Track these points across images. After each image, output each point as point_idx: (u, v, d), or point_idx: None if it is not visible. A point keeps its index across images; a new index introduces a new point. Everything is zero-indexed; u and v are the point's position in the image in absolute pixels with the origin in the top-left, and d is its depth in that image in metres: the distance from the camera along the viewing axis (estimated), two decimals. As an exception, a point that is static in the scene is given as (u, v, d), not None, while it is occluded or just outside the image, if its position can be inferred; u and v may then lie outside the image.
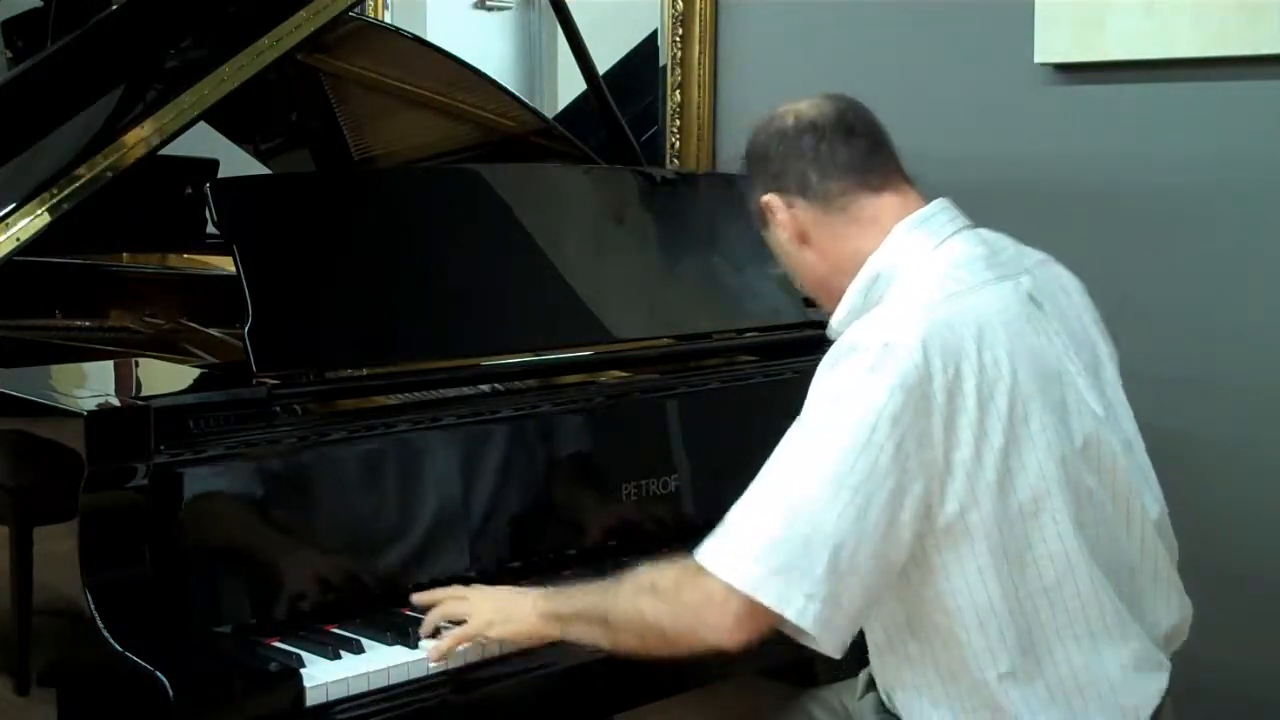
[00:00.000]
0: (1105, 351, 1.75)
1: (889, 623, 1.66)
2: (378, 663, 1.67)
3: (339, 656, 1.67)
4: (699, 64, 3.36)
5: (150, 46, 2.24)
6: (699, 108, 3.37)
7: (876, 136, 1.76)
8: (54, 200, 2.03)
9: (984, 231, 1.74)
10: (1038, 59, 2.77)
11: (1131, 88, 2.70)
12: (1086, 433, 1.62)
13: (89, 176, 2.05)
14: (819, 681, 2.27)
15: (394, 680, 1.68)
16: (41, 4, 2.66)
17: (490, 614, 1.74)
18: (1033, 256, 1.76)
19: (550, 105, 3.68)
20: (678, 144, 3.40)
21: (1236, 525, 2.61)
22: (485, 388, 2.04)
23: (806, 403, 1.59)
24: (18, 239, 2.01)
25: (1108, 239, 2.72)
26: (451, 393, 1.97)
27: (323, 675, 1.63)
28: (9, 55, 2.75)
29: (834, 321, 1.73)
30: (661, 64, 3.41)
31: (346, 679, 1.64)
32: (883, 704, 1.77)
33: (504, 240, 2.16)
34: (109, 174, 2.06)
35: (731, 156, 3.34)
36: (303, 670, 1.63)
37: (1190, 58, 2.61)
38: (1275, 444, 2.59)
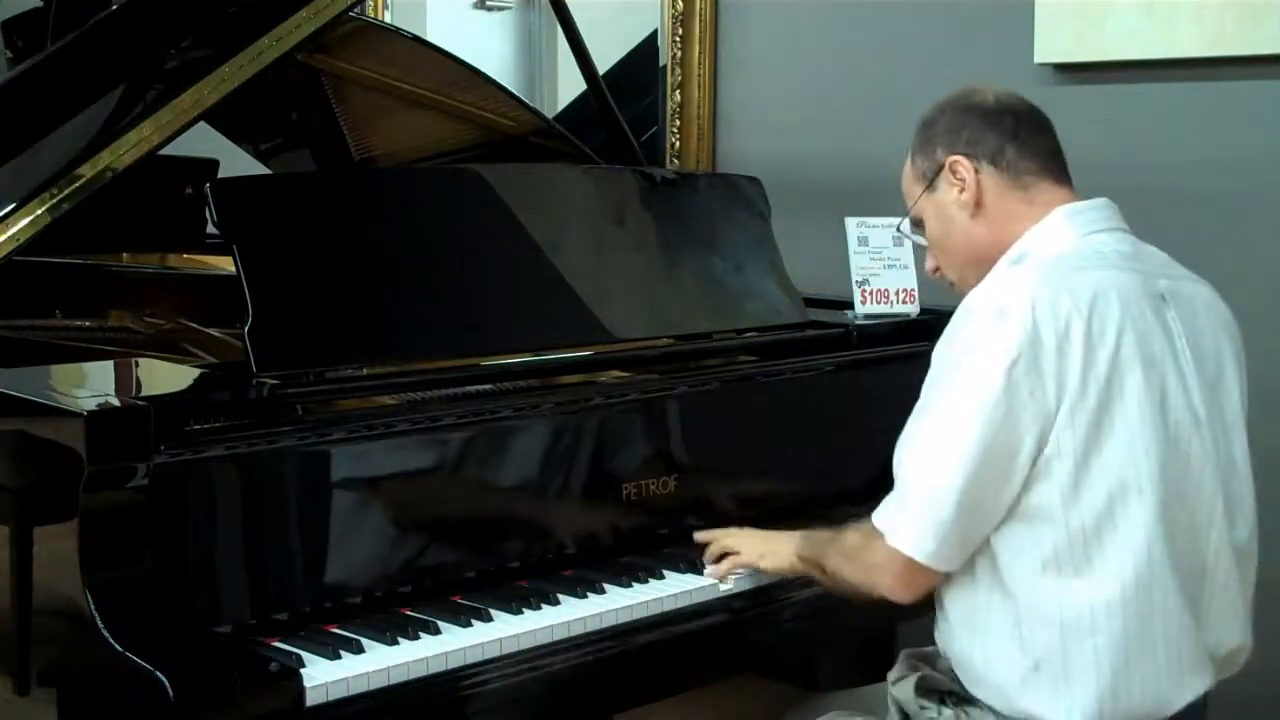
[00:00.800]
0: (1233, 373, 1.80)
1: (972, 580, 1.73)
2: (378, 663, 1.67)
3: (339, 656, 1.67)
4: (699, 64, 3.36)
5: (150, 46, 2.24)
6: (699, 108, 3.37)
7: (1057, 140, 1.85)
8: (54, 200, 2.03)
9: (1140, 242, 1.82)
10: (1038, 59, 2.77)
11: (1131, 88, 2.70)
12: (1179, 423, 1.68)
13: (89, 176, 2.05)
14: (819, 682, 2.27)
15: (394, 680, 1.67)
16: (41, 4, 2.66)
17: (760, 548, 1.98)
18: (1184, 273, 1.82)
19: (550, 105, 3.68)
20: (678, 144, 3.40)
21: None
22: (485, 387, 2.03)
23: (934, 361, 1.71)
24: (18, 239, 2.01)
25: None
26: (451, 393, 1.97)
27: (323, 675, 1.63)
28: (9, 55, 2.75)
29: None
30: (661, 64, 3.41)
31: (346, 679, 1.64)
32: (920, 686, 1.79)
33: (504, 240, 2.16)
34: (109, 174, 2.06)
35: (732, 156, 3.35)
36: (303, 670, 1.63)
37: (1190, 58, 2.61)
38: (1276, 443, 2.59)
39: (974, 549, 1.69)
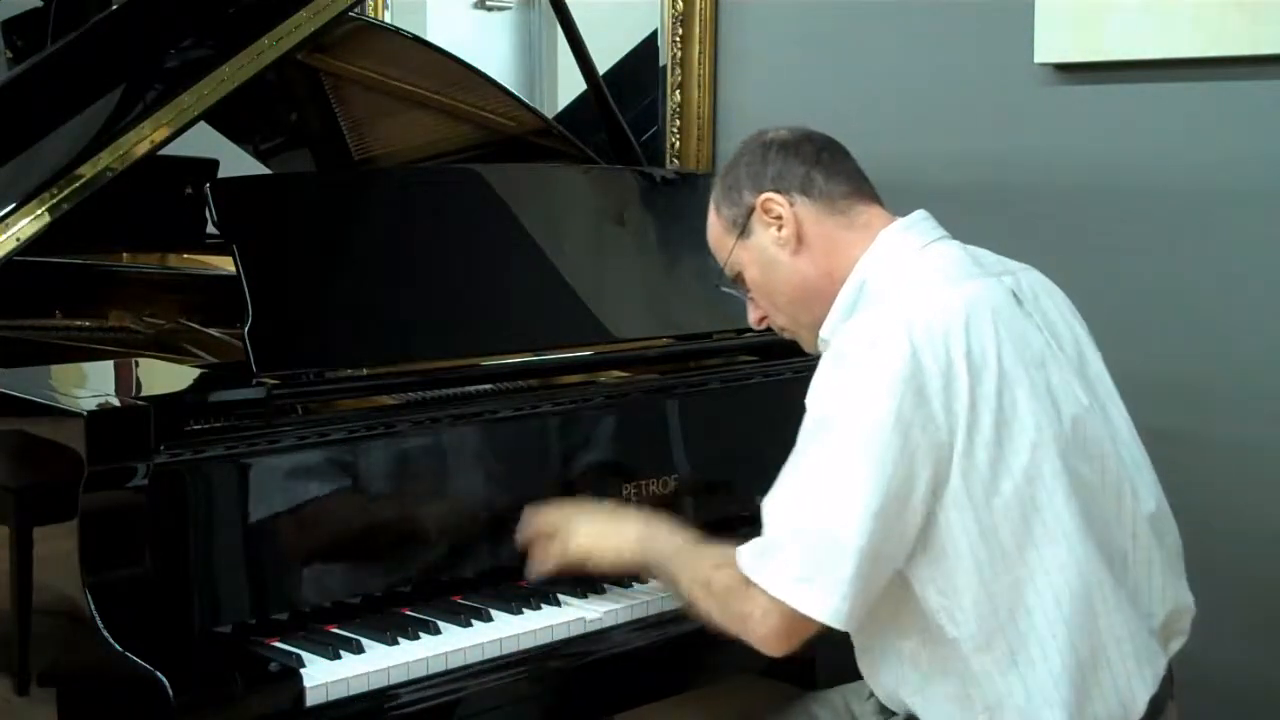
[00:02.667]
0: (1090, 349, 1.77)
1: (883, 625, 1.67)
2: (378, 663, 1.67)
3: (339, 656, 1.67)
4: (699, 64, 3.36)
5: (150, 46, 2.24)
6: (699, 108, 3.37)
7: (854, 162, 1.81)
8: (54, 200, 2.03)
9: (965, 244, 1.78)
10: (1038, 59, 2.77)
11: (1131, 88, 2.70)
12: (1075, 417, 1.65)
13: (89, 176, 2.05)
14: (819, 682, 2.27)
15: (394, 680, 1.68)
16: (41, 4, 2.66)
17: (589, 543, 1.84)
18: (1016, 265, 1.79)
19: (550, 105, 3.67)
20: (678, 144, 3.39)
21: (1238, 525, 2.61)
22: (485, 387, 2.03)
23: (809, 412, 1.62)
24: (18, 239, 2.01)
25: (1108, 239, 2.72)
26: (451, 392, 1.97)
27: (323, 675, 1.63)
28: (9, 55, 2.74)
29: (823, 332, 1.74)
30: (661, 64, 3.41)
31: (346, 679, 1.64)
32: (885, 706, 1.77)
33: (504, 240, 2.16)
34: (109, 174, 2.06)
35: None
36: (303, 670, 1.63)
37: (1190, 58, 2.61)
38: (1276, 444, 2.59)
39: (875, 599, 1.61)
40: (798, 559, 1.58)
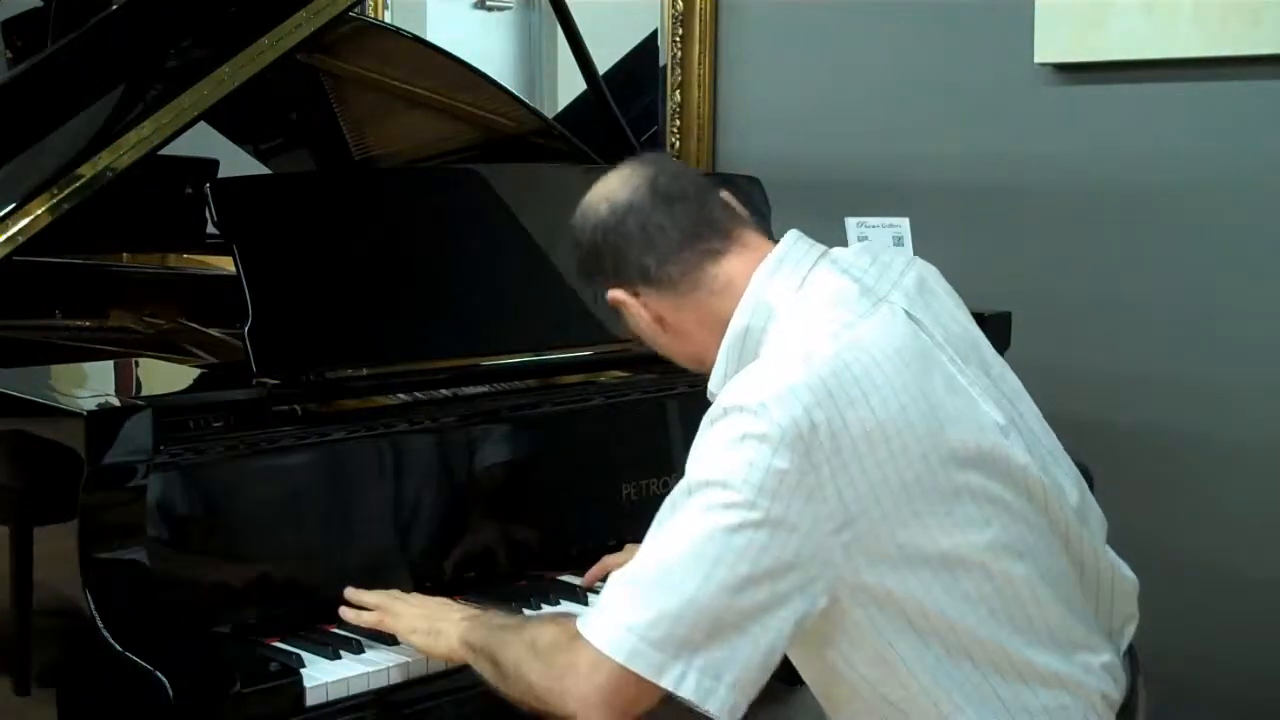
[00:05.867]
0: (983, 340, 1.66)
1: (823, 691, 1.60)
2: (378, 663, 1.67)
3: (339, 656, 1.67)
4: (699, 64, 3.36)
5: (150, 46, 2.24)
6: (699, 108, 3.37)
7: (697, 193, 1.64)
8: (54, 200, 2.03)
9: (841, 255, 1.64)
10: (1038, 59, 2.77)
11: (1131, 88, 2.71)
12: (990, 450, 1.51)
13: (89, 176, 2.05)
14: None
15: (394, 680, 1.68)
16: (41, 4, 2.66)
17: (421, 624, 1.69)
18: (896, 266, 1.65)
19: (550, 105, 3.68)
20: (678, 144, 3.40)
21: (1235, 524, 2.61)
22: (485, 387, 2.03)
23: (688, 465, 1.49)
24: (18, 239, 2.01)
25: (1107, 238, 2.73)
26: (451, 393, 1.97)
27: (323, 675, 1.63)
28: (9, 55, 2.75)
29: (711, 385, 1.64)
30: (661, 64, 3.41)
31: (346, 679, 1.64)
32: None
33: (504, 240, 2.16)
34: (109, 174, 2.06)
35: (732, 156, 3.35)
36: (303, 670, 1.63)
37: (1190, 58, 2.61)
38: (1276, 444, 2.59)
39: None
40: (649, 619, 1.43)
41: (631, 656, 1.43)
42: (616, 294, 1.65)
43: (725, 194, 1.68)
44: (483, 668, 1.60)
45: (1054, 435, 1.67)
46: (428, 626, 1.68)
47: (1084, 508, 1.64)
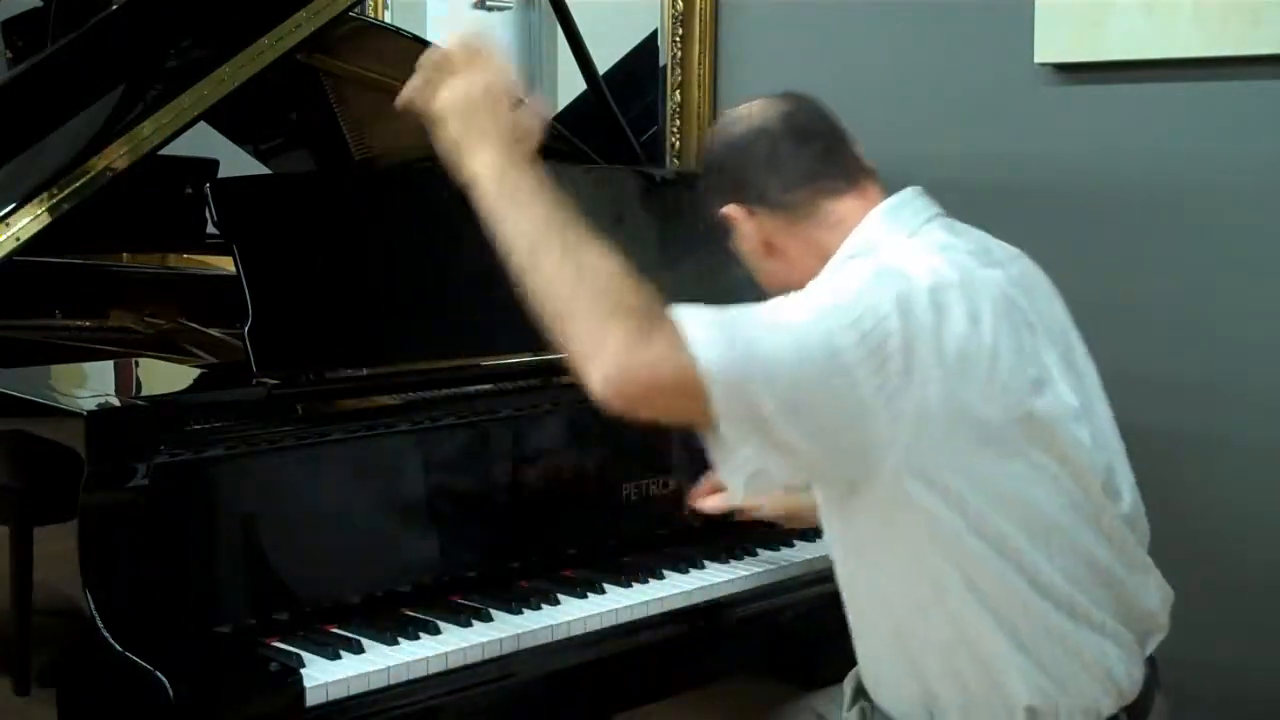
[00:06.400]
0: (1078, 344, 1.71)
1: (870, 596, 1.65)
2: (378, 663, 1.67)
3: (339, 656, 1.67)
4: (699, 64, 3.36)
5: (150, 46, 2.24)
6: (699, 108, 3.37)
7: (831, 136, 1.72)
8: (54, 200, 2.03)
9: (956, 223, 1.70)
10: (1038, 59, 2.76)
11: (1131, 88, 2.70)
12: (1059, 428, 1.56)
13: (89, 176, 2.05)
14: (818, 680, 2.26)
15: (394, 680, 1.68)
16: (41, 4, 2.66)
17: (455, 104, 1.61)
18: (1005, 250, 1.71)
19: (550, 105, 3.67)
20: (678, 144, 3.40)
21: (1235, 525, 2.61)
22: (485, 387, 2.03)
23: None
24: (18, 239, 2.01)
25: (1107, 239, 2.72)
26: (451, 393, 1.97)
27: (323, 675, 1.63)
28: (9, 55, 2.74)
29: None
30: (661, 64, 3.41)
31: (346, 679, 1.64)
32: (867, 713, 1.76)
33: (504, 240, 2.15)
34: (109, 174, 2.06)
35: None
36: (303, 670, 1.63)
37: (1190, 58, 2.61)
38: (1276, 444, 2.59)
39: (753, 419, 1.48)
40: (747, 357, 1.47)
41: (713, 371, 1.44)
42: (733, 210, 1.71)
43: (859, 147, 1.74)
44: (506, 229, 1.52)
45: (1122, 444, 1.69)
46: (463, 122, 1.57)
47: (1134, 516, 1.67)
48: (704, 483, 2.02)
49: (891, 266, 1.55)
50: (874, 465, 1.51)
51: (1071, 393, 1.60)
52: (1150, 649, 1.70)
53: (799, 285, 1.61)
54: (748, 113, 1.73)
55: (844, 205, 1.68)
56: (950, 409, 1.49)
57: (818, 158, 1.70)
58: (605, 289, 1.50)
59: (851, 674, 1.82)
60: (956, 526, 1.53)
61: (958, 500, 1.52)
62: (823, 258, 1.66)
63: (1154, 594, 1.69)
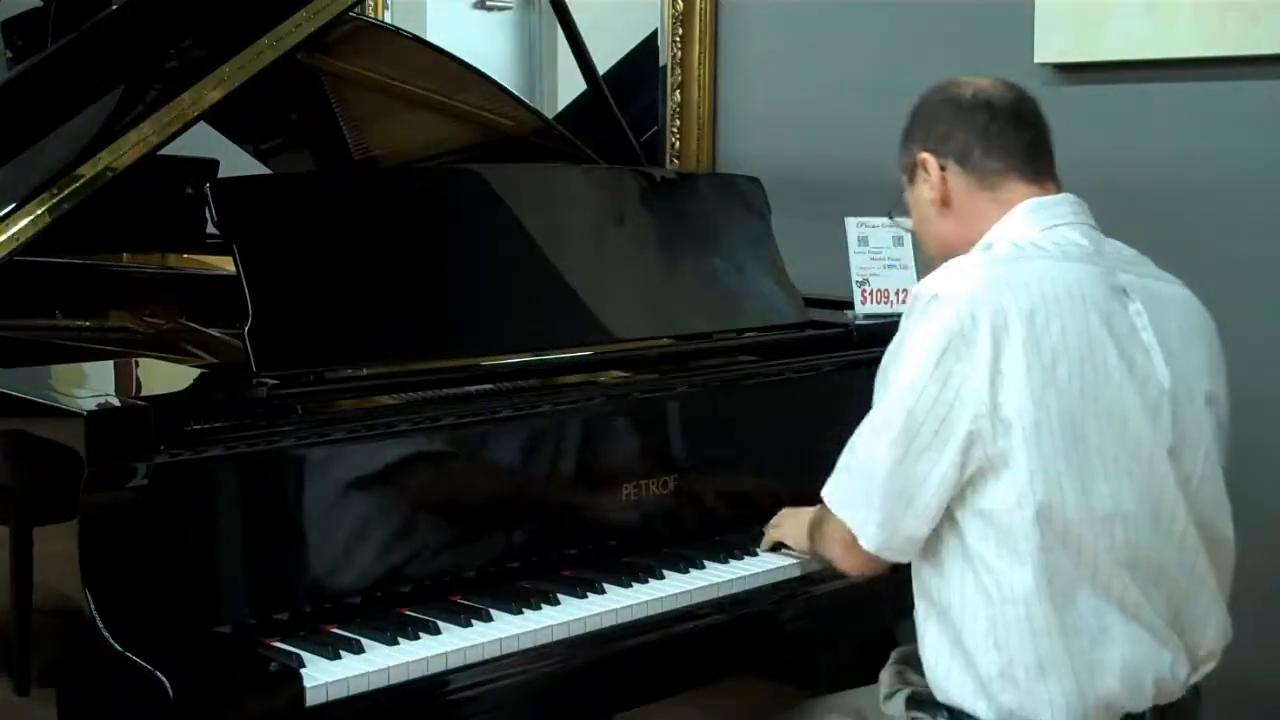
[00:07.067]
0: (1204, 383, 1.77)
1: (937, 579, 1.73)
2: (378, 663, 1.67)
3: (339, 656, 1.67)
4: (699, 64, 3.36)
5: (150, 46, 2.24)
6: (699, 108, 3.37)
7: (1040, 132, 1.83)
8: (54, 200, 2.03)
9: (1103, 237, 1.80)
10: (1038, 59, 2.77)
11: (1131, 88, 2.71)
12: (1123, 416, 1.66)
13: (89, 176, 2.05)
14: (818, 681, 2.27)
15: (394, 680, 1.67)
16: (41, 4, 2.66)
17: (789, 531, 2.07)
18: (1152, 269, 1.81)
19: (550, 105, 3.68)
20: (678, 144, 3.40)
21: (1237, 526, 2.60)
22: (485, 387, 2.03)
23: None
24: (18, 239, 2.01)
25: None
26: (451, 393, 1.97)
27: (323, 675, 1.63)
28: (9, 55, 2.74)
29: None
30: (661, 64, 3.41)
31: (346, 679, 1.64)
32: (912, 700, 1.77)
33: (504, 240, 2.16)
34: (109, 174, 2.06)
35: (732, 156, 3.35)
36: (303, 670, 1.63)
37: (1190, 58, 2.61)
38: (1276, 446, 2.59)
39: (914, 543, 1.70)
40: (848, 486, 1.74)
41: (861, 534, 1.73)
42: (928, 157, 1.82)
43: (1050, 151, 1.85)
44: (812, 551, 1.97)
45: (1215, 498, 1.78)
46: (793, 531, 2.05)
47: (1222, 541, 1.78)
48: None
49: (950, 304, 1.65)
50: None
51: (1170, 430, 1.69)
52: (1196, 677, 1.74)
53: (955, 249, 1.79)
54: (978, 85, 1.83)
55: (1020, 191, 1.79)
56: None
57: (1024, 144, 1.80)
58: (818, 541, 1.92)
59: (889, 666, 1.85)
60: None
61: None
62: (981, 230, 1.78)
63: (1214, 622, 1.76)
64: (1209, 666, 1.76)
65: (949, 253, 1.80)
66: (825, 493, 1.78)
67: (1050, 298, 1.64)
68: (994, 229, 1.77)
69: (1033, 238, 1.74)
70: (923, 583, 1.74)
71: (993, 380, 1.61)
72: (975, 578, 1.66)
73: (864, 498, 1.71)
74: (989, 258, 1.72)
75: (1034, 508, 1.61)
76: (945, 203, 1.82)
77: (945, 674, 1.71)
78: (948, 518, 1.68)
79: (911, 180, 1.86)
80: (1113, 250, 1.79)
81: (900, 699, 1.80)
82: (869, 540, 1.71)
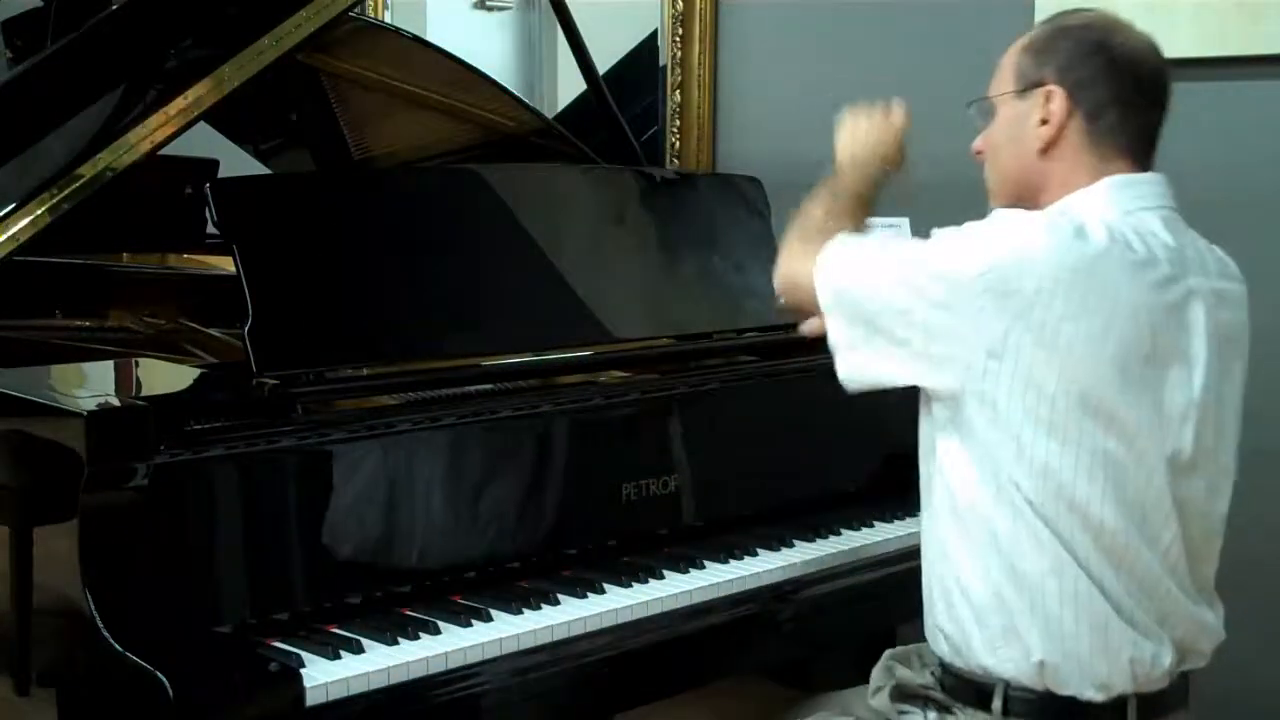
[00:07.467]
0: (1234, 394, 1.78)
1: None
2: (378, 663, 1.67)
3: (339, 656, 1.67)
4: (699, 64, 3.36)
5: (150, 46, 2.24)
6: (699, 108, 3.37)
7: (1164, 114, 1.77)
8: (54, 200, 2.03)
9: (1180, 223, 1.76)
10: (1038, 59, 2.76)
11: (1131, 88, 2.70)
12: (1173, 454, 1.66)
13: (89, 176, 2.05)
14: (814, 682, 2.27)
15: (394, 680, 1.67)
16: (41, 4, 2.66)
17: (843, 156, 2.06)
18: (1215, 265, 1.78)
19: (550, 105, 3.67)
20: (678, 144, 3.40)
21: (1237, 527, 2.60)
22: (485, 387, 2.03)
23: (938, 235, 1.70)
24: (18, 239, 2.01)
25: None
26: (451, 393, 1.97)
27: (323, 675, 1.63)
28: (9, 55, 2.74)
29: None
30: (661, 64, 3.41)
31: (346, 679, 1.64)
32: (896, 692, 1.78)
33: (504, 240, 2.16)
34: (109, 174, 2.06)
35: (732, 156, 3.34)
36: (303, 670, 1.63)
37: (1190, 58, 2.61)
38: (1276, 447, 2.59)
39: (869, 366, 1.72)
40: (850, 278, 1.72)
41: (823, 291, 1.74)
42: (1058, 91, 1.70)
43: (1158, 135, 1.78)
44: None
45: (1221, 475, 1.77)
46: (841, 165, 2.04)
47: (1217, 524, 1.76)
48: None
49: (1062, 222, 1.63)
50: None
51: (1192, 428, 1.67)
52: (1183, 667, 1.72)
53: (1020, 191, 1.75)
54: (1130, 42, 1.73)
55: (1120, 162, 1.72)
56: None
57: (1151, 127, 1.75)
58: (792, 238, 1.91)
59: (880, 664, 1.85)
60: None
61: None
62: (1059, 189, 1.71)
63: (1205, 620, 1.73)
64: (1195, 663, 1.74)
65: (1017, 190, 1.75)
66: (820, 264, 1.75)
67: (1106, 311, 1.60)
68: (1073, 198, 1.70)
69: (1113, 219, 1.66)
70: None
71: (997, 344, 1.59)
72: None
73: (852, 310, 1.71)
74: (1082, 245, 1.61)
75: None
76: (1051, 146, 1.72)
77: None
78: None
79: (1022, 95, 1.75)
80: (1190, 245, 1.73)
81: (885, 694, 1.80)
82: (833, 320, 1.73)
